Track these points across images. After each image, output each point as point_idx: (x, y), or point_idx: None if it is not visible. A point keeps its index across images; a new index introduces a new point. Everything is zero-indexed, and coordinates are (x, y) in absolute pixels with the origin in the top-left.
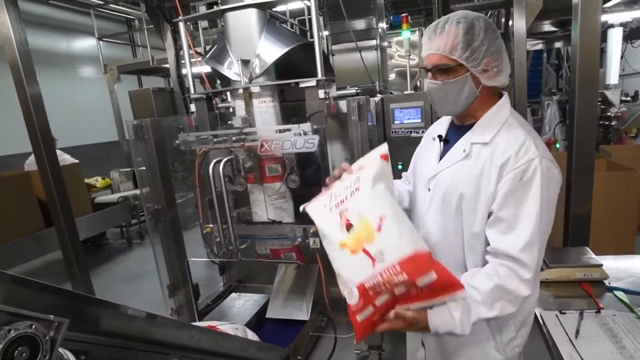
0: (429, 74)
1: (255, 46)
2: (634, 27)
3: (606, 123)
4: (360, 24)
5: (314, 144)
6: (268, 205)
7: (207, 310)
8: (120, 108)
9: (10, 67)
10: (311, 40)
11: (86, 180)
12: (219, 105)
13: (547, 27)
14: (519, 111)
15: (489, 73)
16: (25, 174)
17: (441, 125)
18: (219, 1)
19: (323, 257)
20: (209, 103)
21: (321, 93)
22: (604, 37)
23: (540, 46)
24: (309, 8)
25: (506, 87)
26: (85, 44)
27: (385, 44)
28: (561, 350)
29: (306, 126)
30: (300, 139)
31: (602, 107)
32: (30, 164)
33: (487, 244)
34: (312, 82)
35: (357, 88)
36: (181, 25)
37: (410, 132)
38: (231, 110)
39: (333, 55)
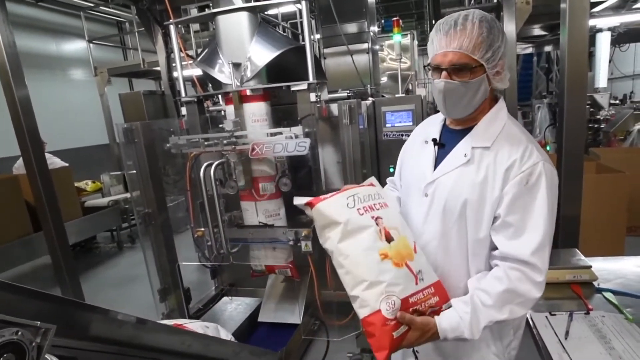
0: (443, 72)
1: (247, 49)
2: (621, 32)
3: (595, 126)
4: (351, 28)
5: (305, 147)
6: (259, 208)
7: (198, 315)
8: (111, 111)
9: None
10: (303, 43)
11: (76, 184)
12: (210, 108)
13: (537, 31)
14: (510, 114)
15: (501, 75)
16: (13, 178)
17: (432, 128)
18: (211, 4)
19: (315, 260)
20: (200, 106)
21: (312, 96)
22: (592, 41)
23: (530, 50)
24: (300, 11)
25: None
26: (75, 46)
27: (377, 47)
28: (551, 351)
29: (297, 129)
30: (291, 142)
31: (591, 110)
32: (19, 167)
33: (493, 248)
34: (303, 86)
35: (348, 91)
36: (172, 28)
37: (402, 135)
38: (222, 113)
39: (325, 58)
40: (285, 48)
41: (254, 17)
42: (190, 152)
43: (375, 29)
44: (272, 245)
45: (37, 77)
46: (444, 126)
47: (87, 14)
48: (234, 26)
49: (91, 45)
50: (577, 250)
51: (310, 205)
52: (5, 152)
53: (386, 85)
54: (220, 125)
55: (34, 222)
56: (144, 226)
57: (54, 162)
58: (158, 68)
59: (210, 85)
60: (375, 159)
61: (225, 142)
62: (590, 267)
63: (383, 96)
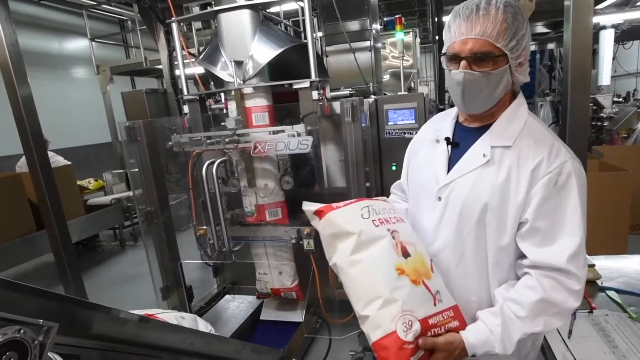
0: (462, 62)
1: (249, 47)
2: (625, 29)
3: (598, 124)
4: (354, 25)
5: (307, 145)
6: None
7: (201, 313)
8: (113, 109)
9: (1, 68)
10: (305, 41)
11: (79, 182)
12: (213, 106)
13: (540, 28)
14: None
15: (524, 67)
16: (16, 176)
17: (443, 126)
18: (213, 2)
19: (316, 258)
20: (202, 104)
21: (315, 94)
22: (595, 39)
23: (533, 47)
24: (302, 9)
25: None
26: (77, 44)
27: (379, 45)
28: (554, 350)
29: (300, 127)
30: (293, 140)
31: (594, 108)
32: (22, 165)
33: (519, 257)
34: (305, 83)
35: (350, 89)
36: (174, 26)
37: (404, 133)
38: (225, 111)
39: (327, 56)
40: (287, 46)
41: (256, 14)
42: (193, 151)
43: (377, 26)
44: (278, 269)
45: (40, 76)
46: (457, 124)
47: (89, 12)
48: (236, 24)
49: (93, 43)
50: None
51: (320, 213)
52: (8, 151)
53: (388, 83)
54: (223, 124)
55: (37, 220)
56: (146, 224)
57: (57, 160)
58: (160, 66)
59: (212, 83)
60: (378, 157)
61: (227, 140)
62: (594, 265)
63: (385, 94)
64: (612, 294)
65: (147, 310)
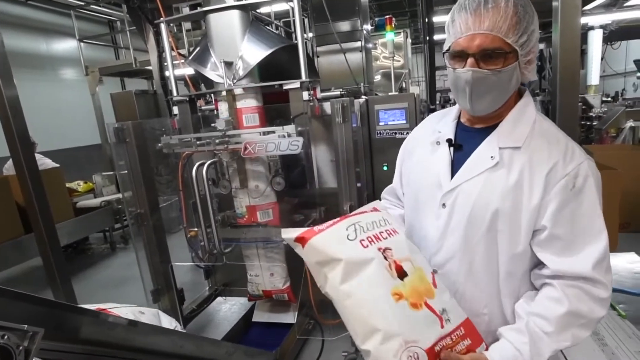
0: (469, 59)
1: (239, 48)
2: (613, 29)
3: (588, 123)
4: (344, 26)
5: (298, 145)
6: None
7: (192, 315)
8: (103, 111)
9: None
10: (295, 42)
11: (68, 185)
12: (203, 107)
13: None
14: None
15: (532, 65)
16: (3, 179)
17: (443, 127)
18: (202, 2)
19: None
20: (192, 105)
21: (305, 95)
22: (584, 39)
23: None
24: (292, 9)
25: None
26: (66, 45)
27: (370, 45)
28: None
29: (290, 128)
30: (284, 141)
31: (584, 107)
32: (9, 168)
33: (534, 266)
34: (296, 84)
35: (341, 90)
36: (163, 26)
37: (395, 133)
38: (215, 112)
39: (318, 57)
40: (278, 46)
41: (246, 15)
42: (183, 152)
43: (368, 27)
44: (270, 271)
45: (27, 77)
46: (458, 124)
47: (77, 13)
48: (226, 24)
49: (82, 44)
50: None
51: (301, 240)
52: None
53: (380, 84)
54: (213, 125)
55: (25, 223)
56: (136, 227)
57: (45, 162)
58: (150, 67)
59: (202, 84)
60: (369, 157)
61: (217, 141)
62: None
63: (376, 94)
64: None
65: (100, 305)
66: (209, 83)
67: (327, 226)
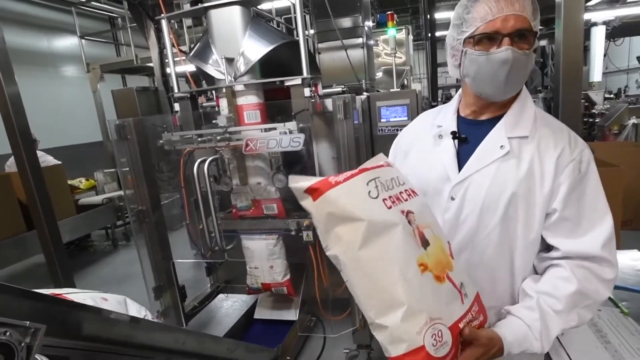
0: (505, 39)
1: (240, 44)
2: (616, 25)
3: (590, 120)
4: (346, 22)
5: (299, 142)
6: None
7: (194, 312)
8: (104, 108)
9: None
10: (297, 38)
11: (70, 182)
12: (204, 104)
13: None
14: None
15: (537, 52)
16: (5, 176)
17: (443, 121)
18: None
19: (316, 251)
20: (193, 102)
21: (307, 91)
22: (587, 36)
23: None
24: (294, 6)
25: None
26: (67, 42)
27: (372, 42)
28: None
29: (292, 125)
30: (285, 137)
31: (586, 104)
32: (11, 165)
33: (542, 249)
34: (297, 81)
35: (343, 86)
36: (164, 23)
37: (397, 130)
38: (216, 109)
39: (319, 53)
40: (279, 43)
41: (247, 11)
42: (184, 149)
43: (369, 23)
44: (270, 263)
45: (29, 74)
46: (459, 118)
47: (78, 10)
48: (227, 20)
49: (83, 41)
50: None
51: (314, 192)
52: None
53: (381, 81)
54: (214, 121)
55: (27, 220)
56: (137, 224)
57: (47, 160)
58: (151, 64)
59: (203, 80)
60: (371, 154)
61: (219, 138)
62: None
63: (378, 91)
64: None
65: (54, 290)
66: (210, 79)
67: (344, 178)
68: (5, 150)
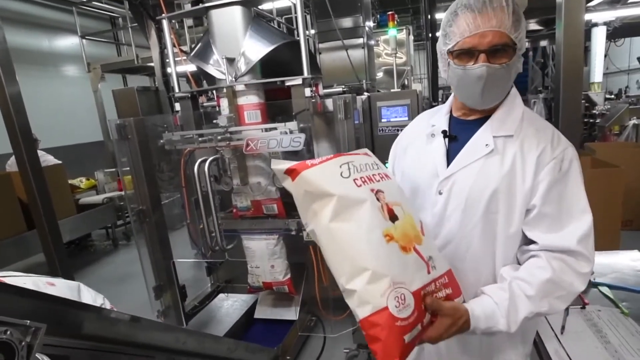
0: (481, 56)
1: (240, 44)
2: (617, 26)
3: (591, 121)
4: (347, 22)
5: (300, 142)
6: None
7: (194, 312)
8: (105, 107)
9: None
10: (297, 38)
11: (70, 181)
12: (205, 104)
13: (533, 25)
14: None
15: (521, 58)
16: (5, 175)
17: (437, 121)
18: None
19: (316, 250)
20: (194, 102)
21: (307, 91)
22: (587, 36)
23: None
24: (295, 6)
25: None
26: (68, 42)
27: (372, 42)
28: (547, 346)
29: (292, 125)
30: (286, 137)
31: (587, 105)
32: (12, 164)
33: (523, 243)
34: (298, 81)
35: (343, 86)
36: (165, 22)
37: (397, 130)
38: (217, 109)
39: (320, 53)
40: (280, 43)
41: (248, 11)
42: (185, 148)
43: (370, 23)
44: (270, 263)
45: (30, 74)
46: (451, 118)
47: (79, 9)
48: (228, 21)
49: (84, 41)
50: None
51: (291, 172)
52: None
53: (382, 81)
54: (215, 121)
55: (28, 219)
56: (138, 223)
57: (47, 159)
58: (152, 64)
59: (204, 80)
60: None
61: (219, 138)
62: None
63: (379, 91)
64: (605, 289)
65: None
66: (211, 79)
67: (320, 161)
68: (6, 150)
